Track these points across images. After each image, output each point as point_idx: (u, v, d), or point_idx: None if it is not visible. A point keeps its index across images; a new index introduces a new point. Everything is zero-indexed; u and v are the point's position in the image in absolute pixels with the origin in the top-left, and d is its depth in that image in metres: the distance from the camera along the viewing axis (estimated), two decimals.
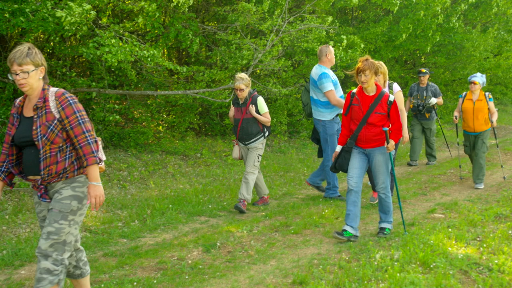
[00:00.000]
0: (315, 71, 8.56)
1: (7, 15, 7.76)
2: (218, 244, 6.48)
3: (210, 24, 14.86)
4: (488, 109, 9.63)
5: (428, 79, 12.05)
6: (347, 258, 5.84)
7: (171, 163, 11.19)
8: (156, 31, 10.09)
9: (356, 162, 6.59)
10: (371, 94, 6.44)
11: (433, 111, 12.01)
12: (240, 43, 12.05)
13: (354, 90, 6.61)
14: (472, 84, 9.66)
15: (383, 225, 6.83)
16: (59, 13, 7.44)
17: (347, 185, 6.76)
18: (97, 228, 7.24)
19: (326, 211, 7.96)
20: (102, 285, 5.14)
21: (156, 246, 6.47)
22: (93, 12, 7.92)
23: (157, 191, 9.35)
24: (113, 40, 8.30)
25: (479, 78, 9.70)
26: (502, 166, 10.85)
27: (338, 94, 8.54)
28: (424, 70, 11.91)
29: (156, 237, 6.93)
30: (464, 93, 9.97)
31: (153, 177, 10.19)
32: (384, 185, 6.65)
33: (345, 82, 16.44)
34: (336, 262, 5.73)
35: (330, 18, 12.56)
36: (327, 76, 8.39)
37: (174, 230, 7.29)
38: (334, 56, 8.80)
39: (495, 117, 9.66)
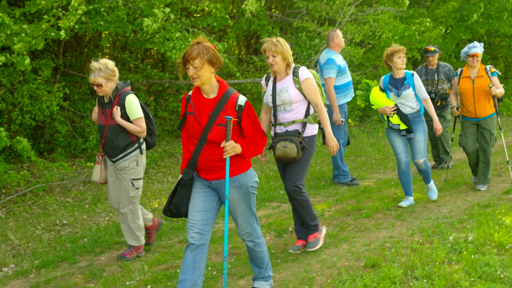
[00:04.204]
0: (323, 56, 8.52)
1: (83, 18, 8.04)
2: (290, 229, 6.56)
3: (276, 11, 14.91)
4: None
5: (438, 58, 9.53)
6: (420, 241, 5.82)
7: None
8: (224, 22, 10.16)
9: (198, 203, 4.35)
10: (211, 96, 4.29)
11: (449, 99, 9.28)
12: (313, 32, 12.00)
13: (191, 92, 4.47)
14: (472, 58, 7.75)
15: (257, 284, 4.77)
16: (146, 21, 7.66)
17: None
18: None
19: (399, 194, 7.91)
20: (178, 270, 5.29)
21: (230, 231, 6.55)
22: (168, 9, 8.10)
23: None
24: (178, 34, 8.44)
25: (480, 49, 7.77)
26: None
27: (345, 80, 8.47)
28: (432, 49, 9.36)
29: (230, 223, 7.05)
30: (459, 69, 8.09)
31: None
32: (249, 231, 4.51)
33: (416, 64, 16.14)
34: (409, 244, 5.71)
35: (407, 1, 12.09)
36: (332, 63, 8.27)
37: None
38: (343, 39, 8.62)
39: (500, 90, 7.72)
